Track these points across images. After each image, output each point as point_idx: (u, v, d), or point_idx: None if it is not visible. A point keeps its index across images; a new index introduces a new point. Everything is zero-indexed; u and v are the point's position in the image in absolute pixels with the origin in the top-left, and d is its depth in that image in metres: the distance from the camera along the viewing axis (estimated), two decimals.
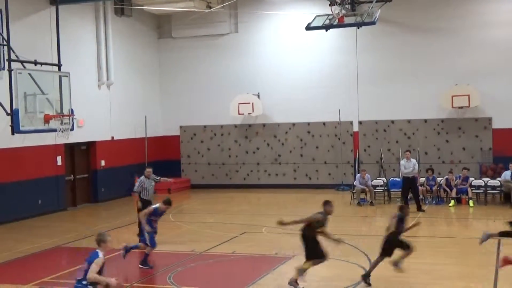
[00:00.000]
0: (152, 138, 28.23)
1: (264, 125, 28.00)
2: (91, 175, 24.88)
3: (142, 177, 16.50)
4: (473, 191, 22.14)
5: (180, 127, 29.23)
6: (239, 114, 27.22)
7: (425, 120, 25.92)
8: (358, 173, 23.98)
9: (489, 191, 22.28)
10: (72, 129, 22.38)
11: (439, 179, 22.72)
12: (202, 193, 26.68)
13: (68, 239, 17.35)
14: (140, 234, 14.19)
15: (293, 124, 27.62)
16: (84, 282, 8.31)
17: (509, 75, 24.68)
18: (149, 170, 16.72)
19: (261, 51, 27.94)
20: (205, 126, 28.86)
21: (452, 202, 21.80)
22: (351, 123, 26.86)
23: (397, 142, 26.22)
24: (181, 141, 29.33)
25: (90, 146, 24.78)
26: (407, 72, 25.93)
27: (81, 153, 24.53)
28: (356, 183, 23.00)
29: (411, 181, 21.18)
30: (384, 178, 24.10)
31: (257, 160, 28.18)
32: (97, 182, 24.86)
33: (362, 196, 22.71)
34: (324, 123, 27.20)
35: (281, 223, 11.63)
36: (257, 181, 28.07)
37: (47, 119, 19.52)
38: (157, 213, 13.96)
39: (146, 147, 27.53)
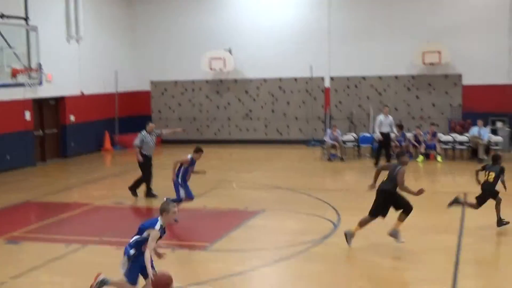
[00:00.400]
0: (123, 93, 27.94)
1: (235, 80, 27.88)
2: (60, 130, 24.62)
3: (144, 132, 16.33)
4: (442, 146, 22.44)
5: (151, 82, 28.99)
6: (210, 69, 27.03)
7: (396, 77, 26.02)
8: (329, 128, 24.12)
9: (457, 147, 22.61)
10: (40, 83, 22.21)
11: (408, 134, 22.95)
12: (173, 148, 26.58)
13: (37, 194, 17.25)
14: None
15: (265, 80, 27.55)
16: (130, 245, 8.15)
17: (479, 32, 24.77)
18: (152, 125, 16.58)
19: (234, 6, 27.61)
20: (176, 82, 28.65)
21: (421, 157, 22.08)
22: (323, 79, 26.87)
23: (368, 98, 26.33)
24: (152, 96, 29.11)
25: (59, 101, 24.47)
26: (379, 29, 25.89)
27: (50, 108, 24.23)
28: (326, 138, 23.15)
29: (386, 137, 21.28)
30: (354, 134, 24.28)
31: (228, 115, 28.14)
32: (67, 137, 24.62)
33: (333, 151, 22.87)
34: (295, 79, 27.18)
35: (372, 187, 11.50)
36: (228, 136, 28.08)
37: (14, 73, 19.31)
38: (194, 163, 13.95)
39: (117, 102, 27.29)
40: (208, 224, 13.79)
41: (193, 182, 17.64)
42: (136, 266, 8.03)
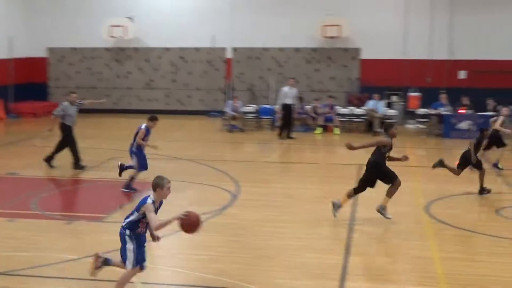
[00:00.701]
0: (17, 59, 26.83)
1: (136, 49, 27.39)
2: None
3: (66, 103, 15.78)
4: (339, 119, 22.98)
5: (48, 48, 27.99)
6: (111, 37, 26.41)
7: (297, 49, 26.34)
8: (230, 100, 24.18)
9: (354, 120, 23.23)
10: None
11: (307, 107, 23.36)
12: None
13: None
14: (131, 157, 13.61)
15: (167, 49, 27.22)
16: (124, 225, 7.82)
17: (378, 8, 25.42)
18: (74, 95, 16.06)
19: None
20: (75, 48, 27.82)
21: (319, 129, 22.55)
22: (225, 49, 26.83)
23: (269, 70, 26.55)
24: (49, 64, 28.15)
25: None
26: (282, 0, 26.06)
27: None
28: (227, 109, 23.21)
29: (289, 108, 21.49)
30: (255, 105, 24.46)
31: (129, 85, 27.67)
32: None
33: (233, 122, 22.98)
34: (197, 49, 27.01)
35: (351, 147, 11.18)
36: (128, 106, 27.61)
37: None
38: (149, 133, 13.51)
39: (12, 69, 26.20)
40: (105, 195, 13.58)
41: (89, 153, 17.36)
42: (139, 244, 7.84)
